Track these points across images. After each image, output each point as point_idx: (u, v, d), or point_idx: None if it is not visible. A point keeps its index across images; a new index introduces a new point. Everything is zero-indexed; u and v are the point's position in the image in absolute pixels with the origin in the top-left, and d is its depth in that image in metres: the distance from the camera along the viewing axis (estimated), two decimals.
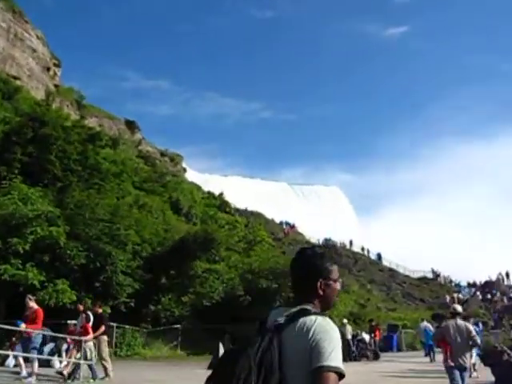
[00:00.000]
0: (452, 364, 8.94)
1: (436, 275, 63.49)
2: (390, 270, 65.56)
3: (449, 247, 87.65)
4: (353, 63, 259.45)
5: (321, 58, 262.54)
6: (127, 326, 23.17)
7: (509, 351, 7.48)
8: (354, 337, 26.54)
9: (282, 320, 2.16)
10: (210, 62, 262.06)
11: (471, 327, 9.48)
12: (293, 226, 76.38)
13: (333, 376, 1.99)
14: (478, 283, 58.15)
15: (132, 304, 23.76)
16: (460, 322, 9.45)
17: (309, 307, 2.21)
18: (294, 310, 2.19)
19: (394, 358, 26.64)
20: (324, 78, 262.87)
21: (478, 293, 54.32)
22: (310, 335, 2.06)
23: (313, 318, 2.13)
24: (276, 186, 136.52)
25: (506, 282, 55.91)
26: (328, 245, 68.87)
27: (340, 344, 2.08)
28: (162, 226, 29.70)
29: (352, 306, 39.73)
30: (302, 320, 2.13)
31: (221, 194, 60.45)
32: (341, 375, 2.02)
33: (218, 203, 55.41)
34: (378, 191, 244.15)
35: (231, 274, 28.17)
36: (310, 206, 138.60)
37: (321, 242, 70.42)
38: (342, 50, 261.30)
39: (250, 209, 69.95)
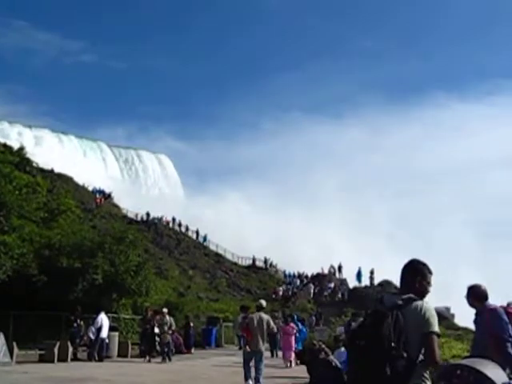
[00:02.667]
0: (249, 350, 13.49)
1: (267, 264, 66.56)
2: (217, 255, 67.50)
3: (284, 233, 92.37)
4: (194, 13, 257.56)
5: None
6: None
7: (327, 349, 8.15)
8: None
9: (400, 302, 4.11)
10: None
11: (271, 321, 13.96)
12: (108, 196, 74.83)
13: (436, 337, 4.09)
14: (309, 275, 62.05)
15: None
16: (263, 315, 13.71)
17: (413, 296, 4.19)
18: (406, 296, 4.16)
19: (205, 354, 27.60)
20: (164, 24, 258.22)
21: (311, 285, 58.04)
22: (423, 312, 4.09)
23: (420, 302, 4.16)
24: (92, 146, 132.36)
25: (337, 276, 60.55)
26: (149, 221, 68.76)
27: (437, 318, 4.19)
28: None
29: (170, 294, 40.28)
30: (414, 303, 4.13)
31: (21, 149, 56.75)
32: (438, 335, 4.13)
33: (17, 160, 52.00)
34: (213, 165, 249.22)
35: (24, 248, 26.75)
36: (131, 173, 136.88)
37: (140, 217, 70.04)
38: None
39: (57, 170, 66.84)
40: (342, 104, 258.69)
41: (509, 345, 6.63)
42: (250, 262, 66.88)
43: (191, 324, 29.69)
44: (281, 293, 56.10)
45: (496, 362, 5.79)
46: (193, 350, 28.62)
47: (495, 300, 7.35)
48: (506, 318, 6.88)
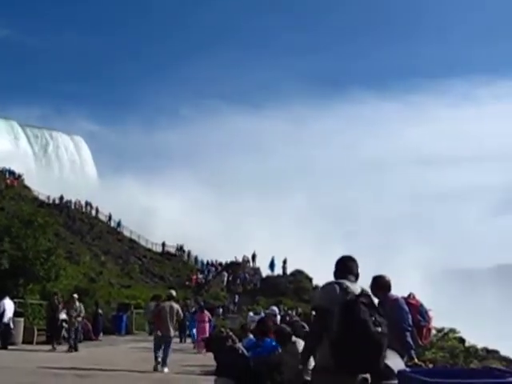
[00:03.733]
0: (160, 334, 15.53)
1: (181, 251, 66.16)
2: (130, 240, 66.51)
3: (199, 220, 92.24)
4: None
5: None
6: None
7: (234, 337, 8.19)
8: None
9: (366, 291, 4.80)
10: None
11: (180, 309, 16.46)
12: (18, 177, 72.22)
13: None
14: (223, 263, 62.24)
15: None
16: (173, 304, 15.96)
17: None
18: (363, 287, 4.89)
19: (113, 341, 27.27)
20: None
21: (225, 273, 58.20)
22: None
23: None
24: (3, 125, 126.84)
25: (251, 264, 61.03)
26: (61, 205, 66.87)
27: None
28: None
29: (80, 279, 39.34)
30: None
31: None
32: None
33: None
34: (131, 149, 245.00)
35: None
36: (44, 155, 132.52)
37: (52, 199, 68.00)
38: None
39: None
40: (264, 94, 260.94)
41: (408, 334, 6.88)
42: (165, 249, 66.25)
43: (100, 310, 29.17)
44: (194, 280, 56.02)
45: (395, 351, 6.00)
46: (101, 337, 28.12)
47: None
48: (406, 308, 7.13)
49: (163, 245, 66.08)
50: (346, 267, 4.94)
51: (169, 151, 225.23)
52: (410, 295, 7.74)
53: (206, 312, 24.71)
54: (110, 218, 69.45)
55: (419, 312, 7.51)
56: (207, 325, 23.81)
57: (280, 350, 8.06)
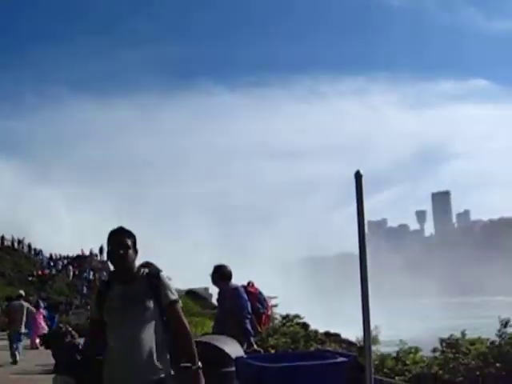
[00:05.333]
0: (12, 331, 17.36)
1: (21, 244, 62.68)
2: None
3: (45, 211, 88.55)
4: None
5: None
6: None
7: (74, 333, 7.94)
8: None
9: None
10: None
11: (30, 306, 18.84)
12: None
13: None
14: (69, 257, 60.08)
15: None
16: (23, 302, 18.09)
17: None
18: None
19: None
20: None
21: (70, 267, 56.13)
22: None
23: None
24: None
25: (99, 258, 59.39)
26: None
27: None
28: None
29: None
30: None
31: None
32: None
33: None
34: None
35: None
36: None
37: None
38: None
39: None
40: (111, 83, 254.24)
41: (247, 321, 7.09)
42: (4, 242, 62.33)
43: None
44: (38, 275, 53.46)
45: (235, 338, 6.16)
46: None
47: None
48: (245, 296, 7.34)
49: (2, 238, 62.01)
50: None
51: (11, 138, 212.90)
52: (249, 283, 7.95)
53: (41, 309, 23.98)
54: None
55: (258, 299, 7.75)
56: (42, 321, 23.10)
57: None
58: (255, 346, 7.00)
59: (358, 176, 4.59)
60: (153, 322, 3.88)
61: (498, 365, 6.71)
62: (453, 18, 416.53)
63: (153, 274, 4.06)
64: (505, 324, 7.24)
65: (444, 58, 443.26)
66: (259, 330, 7.77)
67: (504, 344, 6.99)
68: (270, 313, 8.31)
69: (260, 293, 7.89)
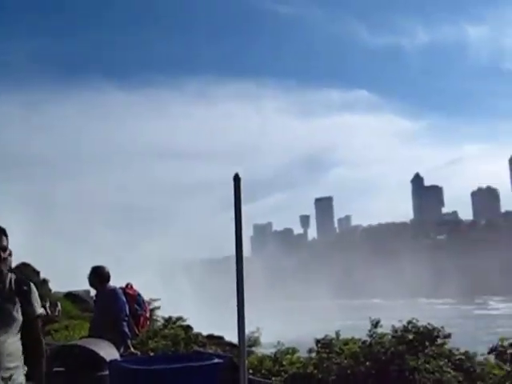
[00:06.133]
0: None
1: None
2: None
3: None
4: None
5: None
6: None
7: None
8: None
9: None
10: None
11: None
12: None
13: None
14: None
15: None
16: None
17: None
18: None
19: None
20: None
21: None
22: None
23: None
24: None
25: None
26: None
27: None
28: None
29: None
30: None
31: None
32: None
33: None
34: None
35: None
36: None
37: None
38: None
39: None
40: None
41: (124, 324, 6.98)
42: None
43: None
44: None
45: (112, 341, 6.04)
46: None
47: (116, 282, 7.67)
48: (123, 298, 7.22)
49: None
50: None
51: None
52: (127, 285, 7.83)
53: None
54: None
55: (136, 301, 7.66)
56: None
57: None
58: (132, 349, 6.91)
59: (237, 179, 4.64)
60: (16, 331, 3.66)
61: (367, 363, 7.03)
62: (339, 29, 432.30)
63: (23, 281, 3.82)
64: (375, 324, 7.60)
65: (330, 68, 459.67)
66: (137, 332, 7.68)
67: (374, 343, 7.33)
68: (148, 315, 8.23)
69: (139, 295, 7.80)
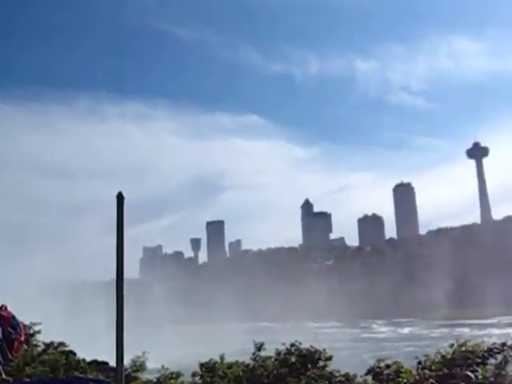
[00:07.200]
0: None
1: None
2: None
3: None
4: None
5: None
6: None
7: None
8: None
9: None
10: None
11: None
12: None
13: None
14: None
15: None
16: None
17: None
18: None
19: None
20: None
21: None
22: None
23: None
24: None
25: None
26: None
27: None
28: None
29: None
30: None
31: None
32: None
33: None
34: None
35: None
36: None
37: None
38: None
39: None
40: None
41: None
42: None
43: None
44: None
45: None
46: None
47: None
48: None
49: None
50: None
51: None
52: (1, 307, 7.40)
53: None
54: None
55: (11, 324, 7.25)
56: None
57: None
58: (4, 375, 6.52)
59: (120, 197, 4.52)
60: None
61: None
62: (233, 55, 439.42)
63: None
64: (259, 348, 7.64)
65: (223, 92, 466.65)
66: (10, 357, 7.26)
67: (257, 367, 7.36)
68: (23, 339, 7.81)
69: (13, 317, 7.38)
